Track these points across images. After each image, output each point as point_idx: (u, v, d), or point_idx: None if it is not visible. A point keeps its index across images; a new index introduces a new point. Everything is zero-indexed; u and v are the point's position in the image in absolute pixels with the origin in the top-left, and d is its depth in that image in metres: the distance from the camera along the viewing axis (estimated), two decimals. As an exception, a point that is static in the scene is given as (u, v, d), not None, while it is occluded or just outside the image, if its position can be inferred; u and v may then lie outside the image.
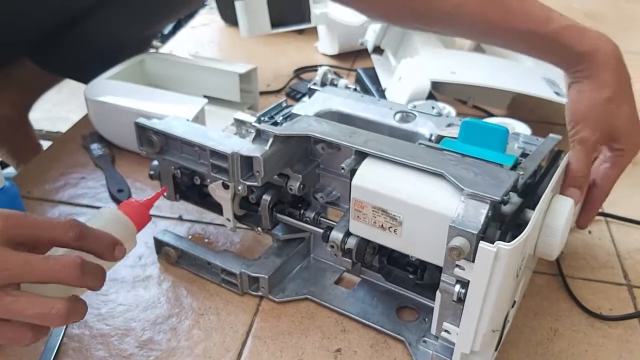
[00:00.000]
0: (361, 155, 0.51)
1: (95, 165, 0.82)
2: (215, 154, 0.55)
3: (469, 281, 0.44)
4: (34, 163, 0.85)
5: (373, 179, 0.49)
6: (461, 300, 0.46)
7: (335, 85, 0.73)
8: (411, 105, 0.68)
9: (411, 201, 0.47)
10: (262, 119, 0.64)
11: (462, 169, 0.48)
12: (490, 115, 0.96)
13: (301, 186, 0.58)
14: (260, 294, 0.60)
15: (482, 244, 0.41)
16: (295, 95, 1.01)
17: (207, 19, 1.37)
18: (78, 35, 0.91)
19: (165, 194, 0.52)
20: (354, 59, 1.17)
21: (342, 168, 0.51)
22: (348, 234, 0.54)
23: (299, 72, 1.11)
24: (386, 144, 0.52)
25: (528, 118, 0.95)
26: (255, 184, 0.55)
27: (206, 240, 0.69)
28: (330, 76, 0.74)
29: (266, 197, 0.59)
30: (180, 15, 1.02)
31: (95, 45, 0.92)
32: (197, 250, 0.63)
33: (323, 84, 0.73)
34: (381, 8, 0.63)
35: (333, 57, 1.19)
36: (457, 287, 0.46)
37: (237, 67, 0.91)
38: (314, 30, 1.22)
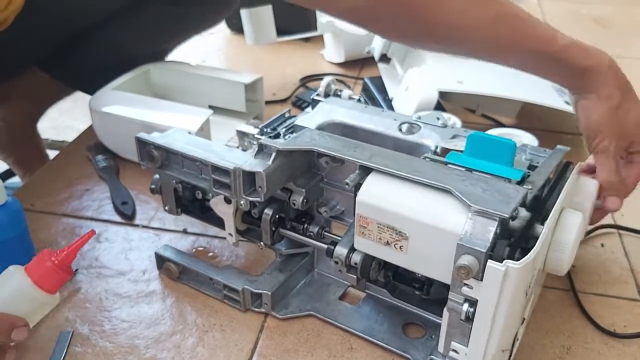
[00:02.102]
0: (366, 170, 0.50)
1: (100, 177, 0.82)
2: (217, 169, 0.54)
3: (477, 300, 0.43)
4: (39, 174, 0.84)
5: (378, 195, 0.48)
6: (469, 319, 0.45)
7: (339, 96, 0.72)
8: (416, 116, 0.67)
9: (417, 218, 0.46)
10: (265, 130, 0.64)
11: (469, 185, 0.47)
12: (499, 124, 0.94)
13: (304, 200, 0.57)
14: (263, 310, 0.59)
15: (491, 263, 0.40)
16: (301, 104, 1.00)
17: (214, 28, 1.37)
18: (89, 47, 0.91)
19: (94, 235, 0.47)
20: (360, 67, 1.16)
21: (347, 183, 0.50)
22: (353, 249, 0.53)
23: (305, 80, 1.10)
24: (391, 159, 0.51)
25: (537, 127, 0.94)
26: (257, 199, 0.54)
27: (210, 254, 0.68)
28: (333, 87, 0.73)
29: (268, 212, 0.58)
30: (194, 34, 1.02)
31: (106, 58, 0.92)
32: (199, 266, 0.62)
33: (327, 95, 0.72)
34: (388, 24, 0.62)
35: (339, 65, 1.18)
36: (466, 306, 0.44)
37: (243, 77, 0.90)
38: (319, 38, 1.21)
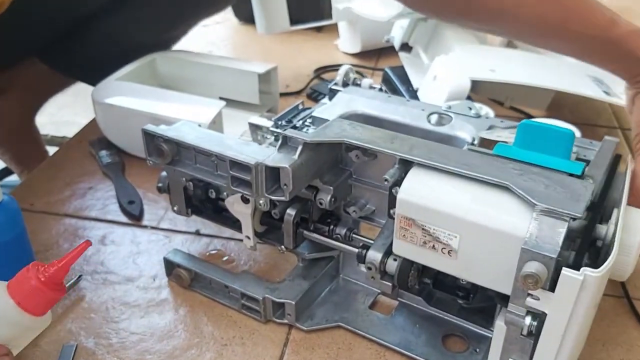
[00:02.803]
0: (406, 165, 0.45)
1: (104, 174, 0.76)
2: (236, 164, 0.48)
3: (545, 313, 0.37)
4: (38, 172, 0.79)
5: (423, 193, 0.42)
6: (532, 333, 0.39)
7: (359, 85, 0.66)
8: (445, 106, 0.61)
9: (471, 218, 0.40)
10: (279, 123, 0.58)
11: (529, 180, 0.41)
12: (529, 116, 0.89)
13: (333, 199, 0.51)
14: (285, 321, 0.54)
15: (566, 271, 0.34)
16: (317, 96, 0.94)
17: (221, 17, 1.31)
18: (90, 35, 0.87)
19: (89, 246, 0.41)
20: (377, 57, 1.11)
21: (386, 179, 0.44)
22: (387, 253, 0.47)
23: (320, 71, 1.04)
24: (435, 151, 0.45)
25: (569, 119, 0.87)
26: (282, 198, 0.48)
27: (226, 258, 0.62)
28: (352, 75, 0.67)
29: (290, 212, 0.52)
30: (201, 19, 0.97)
31: (109, 46, 0.87)
32: (213, 272, 0.56)
33: (345, 84, 0.66)
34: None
35: (355, 55, 1.12)
36: (528, 319, 0.39)
37: (256, 66, 0.84)
38: (332, 28, 1.16)
